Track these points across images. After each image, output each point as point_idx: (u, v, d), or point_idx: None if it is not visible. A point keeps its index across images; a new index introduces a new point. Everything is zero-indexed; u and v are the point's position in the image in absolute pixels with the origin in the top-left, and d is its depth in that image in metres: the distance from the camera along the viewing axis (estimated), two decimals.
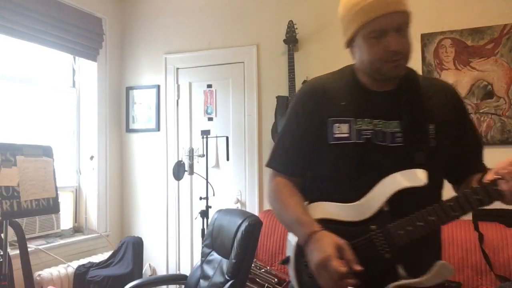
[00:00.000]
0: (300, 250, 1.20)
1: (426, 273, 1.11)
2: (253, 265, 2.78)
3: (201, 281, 2.42)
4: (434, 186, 1.18)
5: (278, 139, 1.37)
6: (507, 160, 1.06)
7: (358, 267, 1.05)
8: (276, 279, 2.79)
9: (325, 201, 1.25)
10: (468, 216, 3.19)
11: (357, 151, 1.21)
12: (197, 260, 2.83)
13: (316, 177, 1.31)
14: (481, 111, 2.89)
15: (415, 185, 1.12)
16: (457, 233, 2.66)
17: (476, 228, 2.85)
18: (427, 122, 1.21)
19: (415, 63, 3.04)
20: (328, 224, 1.18)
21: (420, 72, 3.01)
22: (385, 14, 1.14)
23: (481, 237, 2.58)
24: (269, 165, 1.36)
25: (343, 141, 1.22)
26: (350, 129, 1.22)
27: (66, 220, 3.54)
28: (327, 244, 1.09)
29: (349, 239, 1.13)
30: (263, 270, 2.86)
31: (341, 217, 1.20)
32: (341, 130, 1.23)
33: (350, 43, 1.26)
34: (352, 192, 1.19)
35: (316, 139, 1.26)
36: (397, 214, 1.13)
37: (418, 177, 1.13)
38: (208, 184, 3.16)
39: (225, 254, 2.33)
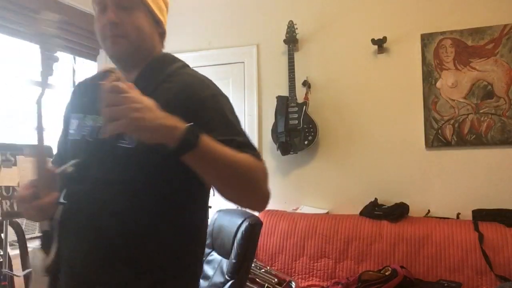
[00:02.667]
0: None
1: None
2: (253, 265, 2.77)
3: (201, 281, 2.42)
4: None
5: None
6: None
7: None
8: (276, 279, 2.79)
9: None
10: (468, 216, 3.18)
11: (73, 149, 1.13)
12: None
13: None
14: (481, 111, 2.89)
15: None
16: (457, 233, 2.66)
17: (476, 228, 2.86)
18: None
19: (415, 63, 3.04)
20: None
21: (420, 72, 3.01)
22: None
23: (481, 237, 2.59)
24: None
25: (72, 137, 1.16)
26: (78, 125, 1.14)
27: None
28: None
29: None
30: (263, 270, 2.86)
31: None
32: (72, 126, 1.16)
33: None
34: None
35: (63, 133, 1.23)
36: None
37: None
38: None
39: (225, 254, 2.33)
